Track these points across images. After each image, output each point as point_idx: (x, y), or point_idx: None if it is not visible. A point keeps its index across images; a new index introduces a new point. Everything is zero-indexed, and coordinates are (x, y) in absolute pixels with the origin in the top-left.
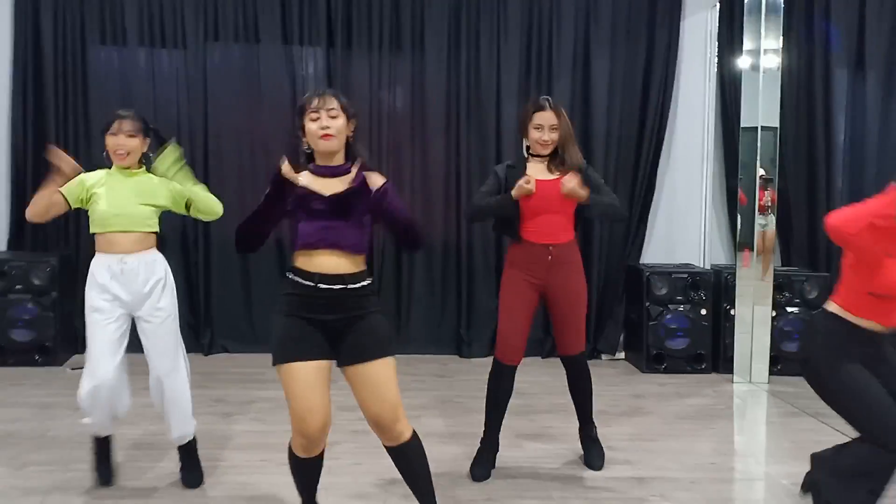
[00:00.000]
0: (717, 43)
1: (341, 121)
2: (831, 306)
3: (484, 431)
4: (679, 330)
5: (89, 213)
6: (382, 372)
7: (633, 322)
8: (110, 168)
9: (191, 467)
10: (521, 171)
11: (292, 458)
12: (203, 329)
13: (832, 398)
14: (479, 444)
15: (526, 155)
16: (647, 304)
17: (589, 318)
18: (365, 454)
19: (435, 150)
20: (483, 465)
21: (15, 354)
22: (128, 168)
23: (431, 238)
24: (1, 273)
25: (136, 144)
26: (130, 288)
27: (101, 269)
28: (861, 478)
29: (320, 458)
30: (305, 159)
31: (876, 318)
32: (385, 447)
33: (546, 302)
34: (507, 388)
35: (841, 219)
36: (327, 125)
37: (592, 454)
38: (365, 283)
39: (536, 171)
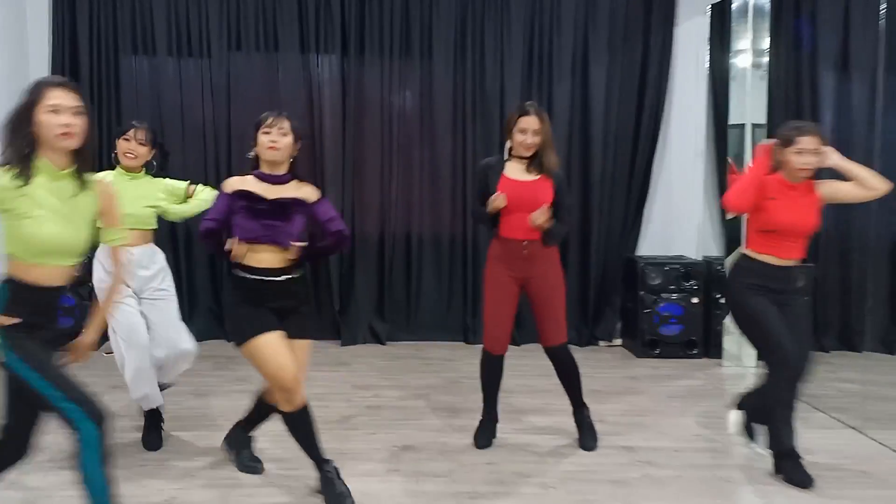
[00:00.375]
0: (708, 46)
1: (289, 139)
2: (742, 249)
3: (483, 407)
4: (672, 317)
5: None
6: (307, 348)
7: (629, 310)
8: (114, 169)
9: (155, 428)
10: (499, 171)
11: (284, 416)
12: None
13: (742, 324)
14: (480, 418)
15: (507, 156)
16: (642, 293)
17: (587, 307)
18: (378, 426)
19: (442, 149)
20: (485, 435)
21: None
22: (131, 171)
23: (439, 231)
24: None
25: (144, 152)
26: (136, 274)
27: (109, 259)
28: (777, 405)
29: (305, 410)
30: (252, 165)
31: (772, 252)
32: (284, 414)
33: (527, 294)
34: (497, 373)
35: (734, 198)
36: (276, 140)
37: (585, 436)
38: (297, 274)
39: (515, 171)
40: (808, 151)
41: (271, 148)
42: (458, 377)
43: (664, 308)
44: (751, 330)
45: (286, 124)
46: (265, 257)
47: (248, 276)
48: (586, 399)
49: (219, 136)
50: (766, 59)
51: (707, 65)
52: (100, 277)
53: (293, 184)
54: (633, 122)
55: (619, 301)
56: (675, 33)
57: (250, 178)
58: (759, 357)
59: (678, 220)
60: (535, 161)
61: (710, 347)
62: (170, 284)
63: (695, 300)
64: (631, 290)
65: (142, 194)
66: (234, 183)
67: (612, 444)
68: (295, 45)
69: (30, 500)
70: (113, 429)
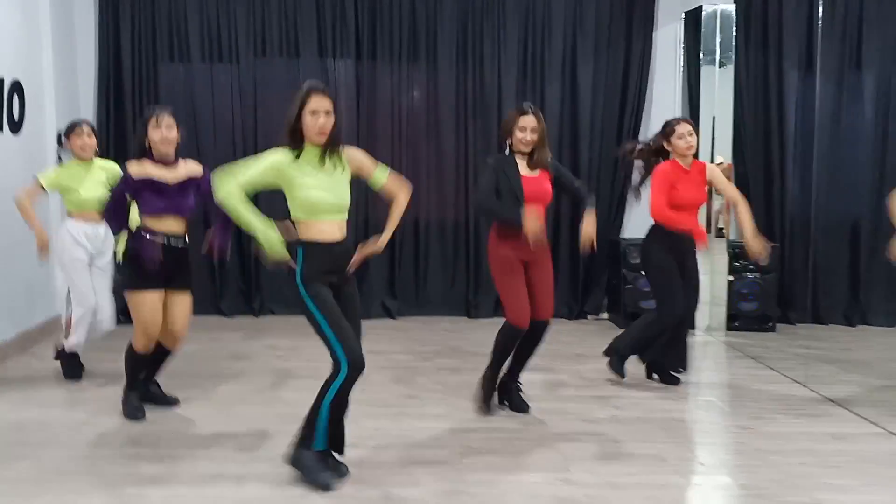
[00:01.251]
0: (683, 49)
1: (174, 132)
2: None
3: (488, 370)
4: (651, 292)
5: (68, 197)
6: (189, 300)
7: (613, 287)
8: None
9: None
10: (515, 168)
11: (133, 354)
12: (254, 295)
13: (649, 276)
14: (480, 375)
15: (508, 152)
16: (624, 271)
17: (577, 285)
18: (389, 380)
19: (446, 143)
20: (490, 390)
21: None
22: (84, 161)
23: (444, 217)
24: None
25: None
26: (94, 245)
27: (78, 231)
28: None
29: (153, 353)
30: (146, 153)
31: (679, 224)
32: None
33: (526, 274)
34: (514, 344)
35: (660, 213)
36: (167, 135)
37: (521, 400)
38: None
39: (522, 167)
40: (686, 133)
41: (164, 143)
42: (460, 345)
43: (644, 284)
44: (657, 281)
45: (171, 119)
46: (170, 225)
47: (154, 239)
48: (569, 361)
49: (246, 135)
50: (732, 60)
51: (682, 65)
52: None
53: (181, 164)
54: (616, 118)
55: (606, 279)
56: (654, 38)
57: (148, 163)
58: (656, 302)
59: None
60: (532, 157)
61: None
62: (111, 256)
63: None
64: (615, 268)
65: (97, 179)
66: (136, 170)
67: (588, 395)
68: (314, 51)
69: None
70: (356, 380)
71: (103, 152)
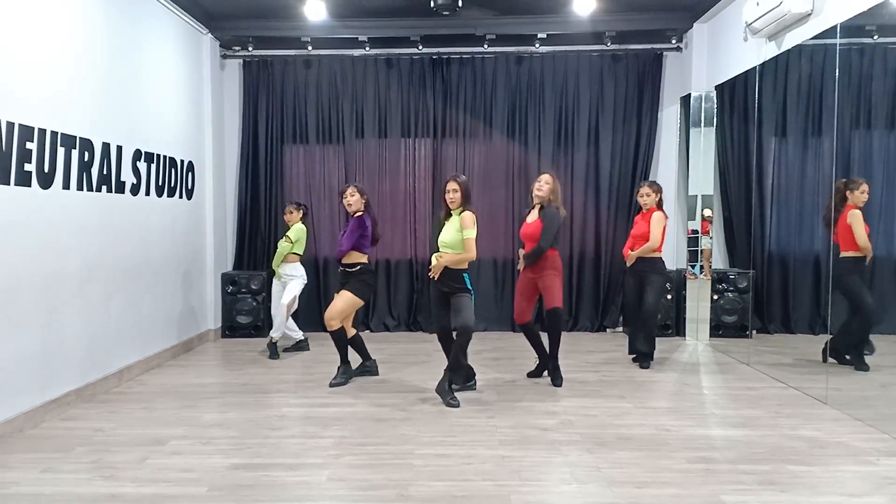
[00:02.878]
0: (680, 124)
1: (356, 196)
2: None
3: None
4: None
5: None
6: (344, 297)
7: (626, 305)
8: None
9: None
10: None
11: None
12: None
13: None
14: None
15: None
16: None
17: (598, 304)
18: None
19: (498, 198)
20: (537, 371)
21: (239, 330)
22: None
23: (496, 255)
24: (234, 282)
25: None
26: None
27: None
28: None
29: (335, 332)
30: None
31: (634, 248)
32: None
33: (536, 284)
34: (529, 334)
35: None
36: (349, 202)
37: (556, 376)
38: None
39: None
40: (644, 194)
41: (348, 205)
42: (504, 346)
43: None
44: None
45: (350, 189)
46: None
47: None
48: (589, 362)
49: None
50: (713, 134)
51: (679, 137)
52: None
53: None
54: (630, 179)
55: (621, 300)
56: (659, 117)
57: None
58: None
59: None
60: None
61: (680, 329)
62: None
63: (669, 296)
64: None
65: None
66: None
67: (601, 379)
68: (399, 133)
69: None
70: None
71: (242, 214)
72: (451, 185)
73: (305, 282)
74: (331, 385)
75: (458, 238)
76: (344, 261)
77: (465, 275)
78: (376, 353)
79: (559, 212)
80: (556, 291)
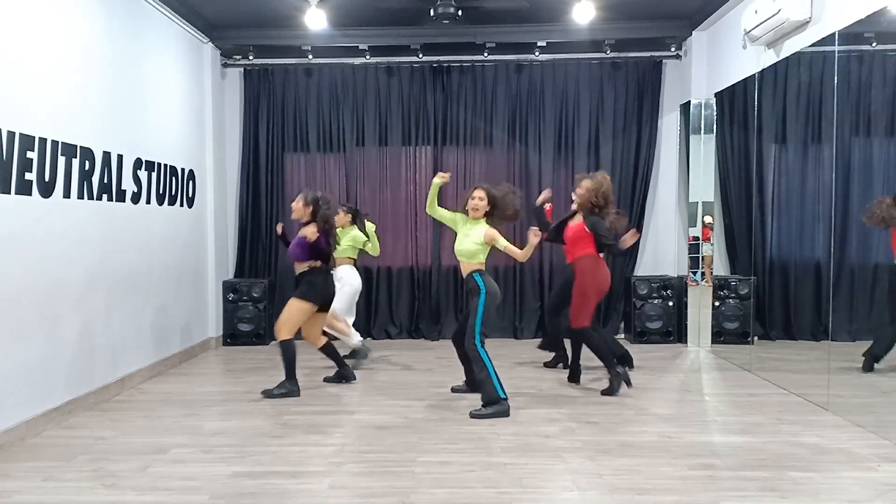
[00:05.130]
0: (680, 131)
1: (300, 203)
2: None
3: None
4: (655, 316)
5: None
6: (289, 305)
7: (626, 313)
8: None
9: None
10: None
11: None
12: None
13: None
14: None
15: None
16: (634, 300)
17: (599, 312)
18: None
19: None
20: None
21: (241, 338)
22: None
23: (497, 264)
24: (235, 290)
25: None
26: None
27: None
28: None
29: (281, 343)
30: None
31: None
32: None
33: None
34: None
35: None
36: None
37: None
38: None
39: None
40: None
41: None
42: (509, 354)
43: (649, 309)
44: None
45: (300, 195)
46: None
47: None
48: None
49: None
50: (713, 142)
51: (678, 145)
52: None
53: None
54: (630, 187)
55: (622, 307)
56: (659, 124)
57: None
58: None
59: (662, 251)
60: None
61: (681, 336)
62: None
63: (670, 303)
64: (628, 299)
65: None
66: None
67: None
68: (400, 141)
69: None
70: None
71: (243, 222)
72: (479, 193)
73: (355, 287)
74: (264, 392)
75: (475, 248)
76: (296, 268)
77: (476, 274)
78: (378, 360)
79: (602, 214)
80: (575, 306)
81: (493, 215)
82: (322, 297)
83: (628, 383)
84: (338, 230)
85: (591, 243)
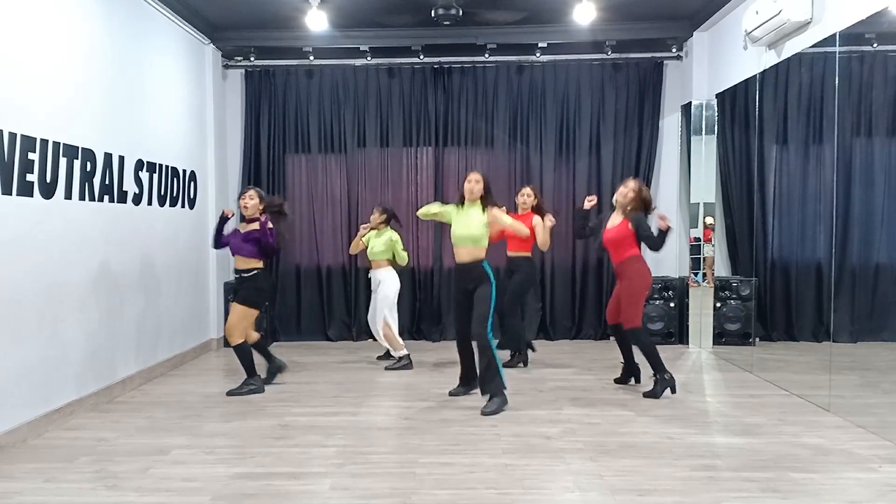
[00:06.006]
0: (681, 132)
1: (255, 201)
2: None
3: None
4: (657, 317)
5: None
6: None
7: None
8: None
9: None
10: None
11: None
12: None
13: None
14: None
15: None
16: None
17: (600, 311)
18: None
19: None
20: (623, 378)
21: None
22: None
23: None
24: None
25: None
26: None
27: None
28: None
29: (236, 346)
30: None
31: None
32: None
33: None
34: (616, 335)
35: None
36: (246, 204)
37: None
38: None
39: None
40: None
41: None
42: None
43: (651, 310)
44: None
45: (251, 192)
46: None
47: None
48: (591, 370)
49: (351, 206)
50: (714, 143)
51: (680, 146)
52: None
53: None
54: None
55: None
56: (660, 125)
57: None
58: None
59: (664, 252)
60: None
61: (683, 337)
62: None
63: (672, 304)
64: None
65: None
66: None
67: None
68: (401, 142)
69: None
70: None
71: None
72: (474, 176)
73: (395, 289)
74: (229, 392)
75: (481, 231)
76: (239, 266)
77: (485, 263)
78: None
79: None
80: (628, 307)
81: (487, 201)
82: (265, 300)
83: (673, 389)
84: (373, 232)
85: (635, 242)
